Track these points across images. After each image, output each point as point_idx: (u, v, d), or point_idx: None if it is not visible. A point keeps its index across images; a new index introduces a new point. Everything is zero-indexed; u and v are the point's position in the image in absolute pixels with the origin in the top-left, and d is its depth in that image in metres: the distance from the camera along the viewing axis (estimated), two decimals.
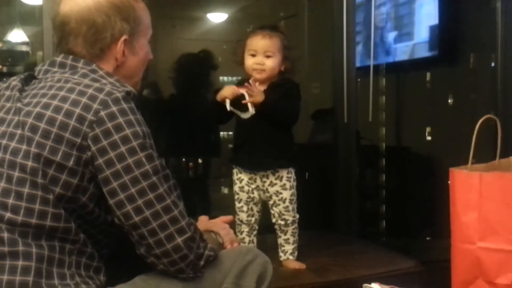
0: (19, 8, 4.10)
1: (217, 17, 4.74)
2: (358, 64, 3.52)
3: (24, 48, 4.12)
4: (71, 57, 1.52)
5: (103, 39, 1.52)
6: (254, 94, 2.29)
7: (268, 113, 2.33)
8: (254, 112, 2.30)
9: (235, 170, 2.47)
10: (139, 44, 1.60)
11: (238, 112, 2.33)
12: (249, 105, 2.29)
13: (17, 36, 4.19)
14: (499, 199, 2.04)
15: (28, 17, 3.99)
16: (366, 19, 3.83)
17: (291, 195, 2.42)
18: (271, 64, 2.39)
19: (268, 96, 2.33)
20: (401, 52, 3.95)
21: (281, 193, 2.41)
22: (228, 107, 2.30)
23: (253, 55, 2.40)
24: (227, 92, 2.31)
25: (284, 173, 2.42)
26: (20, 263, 1.33)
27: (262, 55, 2.39)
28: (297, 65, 2.53)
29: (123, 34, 1.54)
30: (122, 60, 1.56)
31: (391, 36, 4.04)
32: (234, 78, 2.50)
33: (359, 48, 3.77)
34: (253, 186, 2.44)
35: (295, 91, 2.45)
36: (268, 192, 2.42)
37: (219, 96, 2.32)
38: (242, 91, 2.29)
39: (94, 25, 1.51)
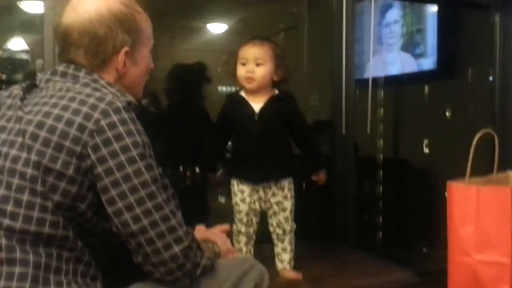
0: (20, 17, 4.11)
1: (217, 28, 4.76)
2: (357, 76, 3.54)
3: (24, 56, 4.12)
4: (72, 66, 1.53)
5: (105, 50, 1.53)
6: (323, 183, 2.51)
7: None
8: None
9: (235, 182, 2.47)
10: (141, 55, 1.61)
11: None
12: None
13: (17, 44, 4.20)
14: (495, 213, 2.05)
15: (29, 26, 4.00)
16: (366, 32, 3.85)
17: (291, 205, 2.43)
18: (261, 72, 2.38)
19: (272, 111, 2.37)
20: (400, 65, 3.97)
21: (282, 203, 2.42)
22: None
23: (244, 64, 2.40)
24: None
25: (286, 183, 2.44)
26: (17, 270, 1.33)
27: (253, 63, 2.38)
28: (290, 75, 2.52)
29: (125, 45, 1.55)
30: (123, 71, 1.57)
31: (390, 49, 4.07)
32: (233, 89, 2.52)
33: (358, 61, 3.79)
34: (255, 197, 2.44)
35: (298, 107, 2.50)
36: (270, 202, 2.43)
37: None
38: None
39: (96, 37, 1.52)
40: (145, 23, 1.62)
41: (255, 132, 2.40)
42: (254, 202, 2.44)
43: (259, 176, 2.43)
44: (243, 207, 2.45)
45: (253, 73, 2.38)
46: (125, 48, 1.55)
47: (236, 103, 2.46)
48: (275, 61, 2.41)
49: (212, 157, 2.56)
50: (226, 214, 2.53)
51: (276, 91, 2.45)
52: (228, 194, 2.52)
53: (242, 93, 2.45)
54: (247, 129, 2.42)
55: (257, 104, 2.41)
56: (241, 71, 2.40)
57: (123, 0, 1.56)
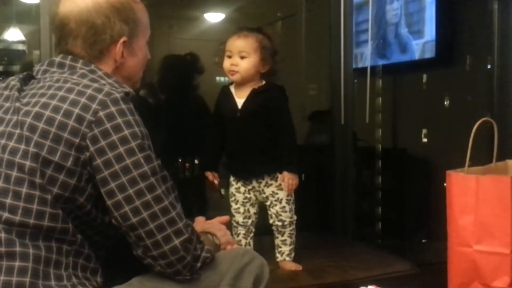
0: (16, 7, 4.09)
1: (214, 17, 4.74)
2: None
3: (21, 47, 4.11)
4: (70, 57, 1.52)
5: (102, 40, 1.52)
6: (291, 187, 2.37)
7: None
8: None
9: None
10: (138, 45, 1.60)
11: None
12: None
13: (14, 34, 4.18)
14: (495, 202, 2.05)
15: (25, 16, 3.98)
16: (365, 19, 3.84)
17: (287, 196, 2.41)
18: (244, 65, 2.36)
19: (254, 105, 2.34)
20: (399, 53, 3.96)
21: (277, 194, 2.41)
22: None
23: (229, 56, 2.38)
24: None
25: (279, 174, 2.42)
26: (17, 263, 1.32)
27: (237, 56, 2.36)
28: (279, 66, 2.45)
29: (122, 35, 1.54)
30: (121, 61, 1.56)
31: (388, 36, 4.05)
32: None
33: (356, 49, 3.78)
34: (249, 187, 2.44)
35: (283, 101, 2.42)
36: (265, 193, 2.42)
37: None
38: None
39: (93, 27, 1.51)
40: (142, 13, 1.62)
41: (239, 129, 2.39)
42: (248, 192, 2.44)
43: (248, 172, 2.42)
44: (239, 197, 2.45)
45: (236, 66, 2.35)
46: (123, 38, 1.55)
47: (224, 97, 2.44)
48: (261, 53, 2.37)
49: (211, 153, 2.51)
50: (226, 206, 2.53)
51: (263, 83, 2.41)
52: (227, 186, 2.52)
53: (231, 87, 2.43)
54: (231, 125, 2.41)
55: (241, 99, 2.38)
56: (226, 63, 2.38)
57: None
